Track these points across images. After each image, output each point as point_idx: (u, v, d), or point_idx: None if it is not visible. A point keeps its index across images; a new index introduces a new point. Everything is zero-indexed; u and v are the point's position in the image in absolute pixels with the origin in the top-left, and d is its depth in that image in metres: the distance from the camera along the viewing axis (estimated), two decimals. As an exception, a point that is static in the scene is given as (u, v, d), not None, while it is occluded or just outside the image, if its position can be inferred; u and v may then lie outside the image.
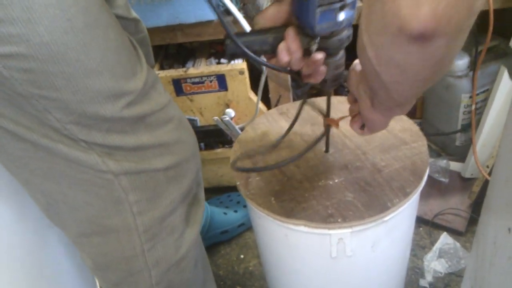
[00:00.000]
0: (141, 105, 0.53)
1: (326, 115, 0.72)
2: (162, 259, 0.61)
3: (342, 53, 0.59)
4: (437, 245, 1.10)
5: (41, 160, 0.52)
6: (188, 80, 1.09)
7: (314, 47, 0.55)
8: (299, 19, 0.54)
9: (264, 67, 0.96)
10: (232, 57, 0.58)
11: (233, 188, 0.97)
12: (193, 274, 0.67)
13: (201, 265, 0.71)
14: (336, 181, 0.70)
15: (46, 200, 0.58)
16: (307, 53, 0.57)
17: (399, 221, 0.69)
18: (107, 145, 0.52)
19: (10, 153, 0.53)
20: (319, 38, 0.55)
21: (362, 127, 0.59)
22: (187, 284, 0.67)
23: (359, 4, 0.99)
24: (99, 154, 0.52)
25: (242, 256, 1.18)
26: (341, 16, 0.52)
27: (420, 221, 1.17)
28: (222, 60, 1.13)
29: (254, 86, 1.11)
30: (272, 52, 0.58)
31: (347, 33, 0.56)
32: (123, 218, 0.57)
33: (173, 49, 1.23)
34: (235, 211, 1.21)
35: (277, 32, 0.57)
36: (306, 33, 0.55)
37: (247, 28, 1.01)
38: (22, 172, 0.55)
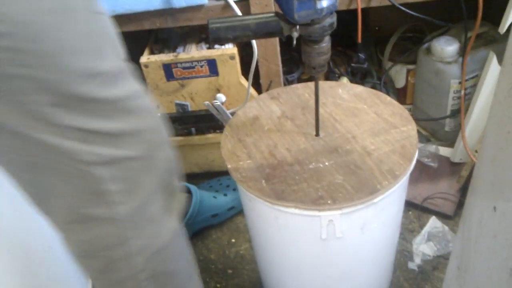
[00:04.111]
0: (115, 88, 0.53)
1: (315, 100, 0.72)
2: (144, 247, 0.62)
3: (327, 39, 0.59)
4: (426, 228, 1.12)
5: (21, 152, 0.53)
6: (179, 65, 1.09)
7: (295, 34, 0.56)
8: (280, 6, 0.55)
9: (255, 51, 0.96)
10: (215, 41, 0.58)
11: (224, 173, 0.97)
12: (177, 265, 0.68)
13: (186, 258, 0.72)
14: (326, 164, 0.71)
15: (35, 190, 0.59)
16: (289, 39, 0.58)
17: (388, 203, 0.70)
18: (82, 129, 0.52)
19: None
20: (298, 26, 0.56)
21: None
22: (171, 275, 0.68)
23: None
24: (74, 140, 0.52)
25: (233, 240, 1.19)
26: (321, 4, 0.53)
27: (409, 205, 1.19)
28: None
29: (245, 71, 1.11)
30: (254, 38, 0.59)
31: (329, 20, 0.57)
32: (102, 207, 0.58)
33: (163, 34, 1.22)
34: (225, 195, 1.22)
35: (259, 18, 0.57)
36: (287, 20, 0.56)
37: (239, 12, 1.01)
38: (7, 165, 0.56)
